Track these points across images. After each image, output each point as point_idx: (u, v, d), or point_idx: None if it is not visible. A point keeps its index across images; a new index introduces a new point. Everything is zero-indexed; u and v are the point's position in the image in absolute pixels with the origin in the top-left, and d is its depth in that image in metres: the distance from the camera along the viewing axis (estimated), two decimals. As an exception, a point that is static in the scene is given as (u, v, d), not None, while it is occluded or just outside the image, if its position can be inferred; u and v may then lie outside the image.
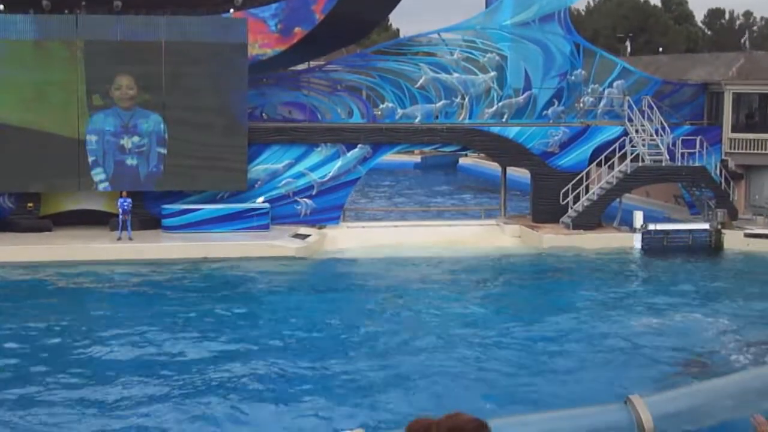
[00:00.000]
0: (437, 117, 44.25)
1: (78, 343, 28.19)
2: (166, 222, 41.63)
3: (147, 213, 41.62)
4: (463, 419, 4.79)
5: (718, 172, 43.55)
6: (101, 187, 41.53)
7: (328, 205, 43.35)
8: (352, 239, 41.75)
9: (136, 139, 41.41)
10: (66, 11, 42.60)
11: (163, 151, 41.53)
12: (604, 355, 27.53)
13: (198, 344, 28.14)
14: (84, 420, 21.93)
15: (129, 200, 40.27)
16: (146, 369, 25.70)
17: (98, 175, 41.39)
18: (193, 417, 22.27)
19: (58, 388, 24.07)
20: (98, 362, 26.37)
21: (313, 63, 46.71)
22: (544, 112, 44.26)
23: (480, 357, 27.27)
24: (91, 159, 41.17)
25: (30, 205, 41.82)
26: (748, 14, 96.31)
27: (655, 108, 43.74)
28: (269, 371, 25.96)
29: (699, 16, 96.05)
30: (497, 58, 44.09)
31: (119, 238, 39.84)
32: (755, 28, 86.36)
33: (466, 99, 44.14)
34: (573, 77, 44.34)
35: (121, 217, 40.09)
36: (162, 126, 41.41)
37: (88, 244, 39.56)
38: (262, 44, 43.05)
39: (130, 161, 41.46)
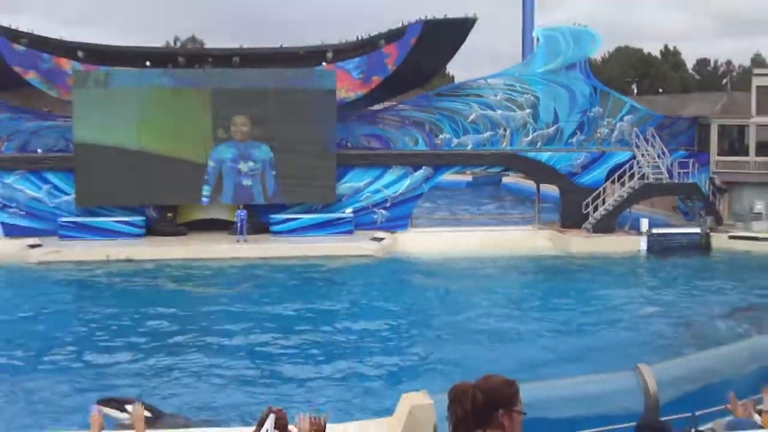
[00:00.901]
0: (485, 145, 44.30)
1: (209, 322, 29.10)
2: (273, 228, 42.02)
3: (259, 221, 42.10)
4: (495, 380, 4.72)
5: (707, 187, 43.36)
6: (223, 200, 42.38)
7: (398, 214, 43.44)
8: (417, 241, 41.62)
9: (250, 164, 42.22)
10: (196, 66, 43.58)
11: (272, 173, 42.36)
12: (617, 332, 27.65)
13: (300, 314, 29.07)
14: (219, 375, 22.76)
15: (245, 211, 40.76)
16: (265, 335, 26.58)
17: (221, 191, 42.35)
18: (301, 364, 23.06)
19: (206, 350, 25.08)
20: (221, 332, 27.09)
21: (387, 103, 47.11)
22: (570, 140, 44.23)
23: (518, 331, 27.61)
24: (214, 179, 42.13)
25: (169, 215, 42.48)
26: (728, 63, 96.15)
27: (656, 137, 43.55)
28: (347, 337, 26.88)
29: (690, 64, 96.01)
30: (532, 98, 44.04)
31: (238, 241, 40.43)
32: (734, 73, 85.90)
33: (507, 131, 44.28)
34: (592, 113, 44.14)
35: (238, 224, 40.76)
36: (271, 154, 42.31)
37: (214, 245, 40.21)
38: (347, 90, 43.48)
39: (246, 181, 42.24)
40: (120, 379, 22.57)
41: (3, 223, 41.54)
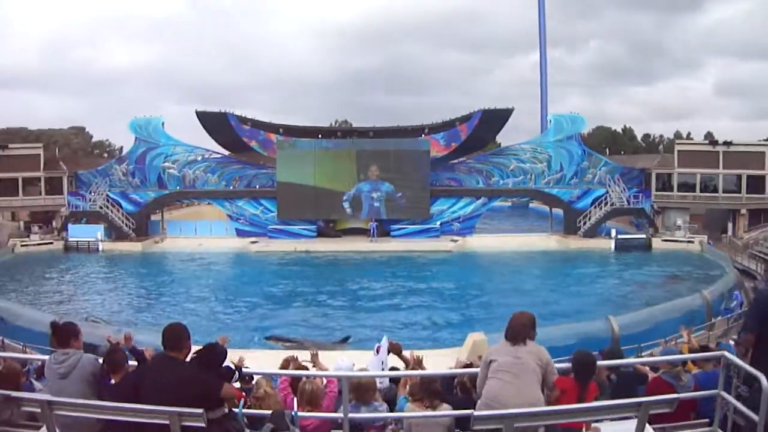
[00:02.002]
0: (519, 184, 43.99)
1: (356, 285, 29.54)
2: (392, 233, 42.28)
3: (383, 229, 42.34)
4: (526, 315, 5.14)
5: (649, 210, 42.44)
6: (362, 216, 42.83)
7: (467, 225, 43.23)
8: (479, 242, 41.35)
9: (379, 194, 42.62)
10: (347, 137, 44.45)
11: (392, 200, 42.74)
12: (598, 295, 27.32)
13: (400, 284, 29.08)
14: (351, 318, 23.36)
15: (375, 223, 41.31)
16: (381, 294, 26.96)
17: (361, 210, 42.78)
18: (394, 314, 23.20)
19: (335, 300, 25.82)
20: (362, 291, 27.68)
21: (460, 159, 47.11)
22: (569, 181, 43.55)
23: (536, 291, 27.52)
24: (355, 202, 42.71)
25: (331, 225, 43.32)
26: (661, 136, 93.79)
27: (620, 180, 42.65)
28: (435, 295, 26.78)
29: (639, 136, 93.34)
30: (547, 156, 43.70)
31: (371, 241, 40.76)
32: (665, 142, 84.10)
33: (533, 176, 43.96)
34: (582, 166, 43.37)
35: (371, 230, 41.22)
36: (391, 188, 42.73)
37: (357, 243, 40.52)
38: (436, 151, 43.59)
39: (376, 204, 42.69)
40: (294, 316, 23.36)
41: (237, 229, 43.28)
